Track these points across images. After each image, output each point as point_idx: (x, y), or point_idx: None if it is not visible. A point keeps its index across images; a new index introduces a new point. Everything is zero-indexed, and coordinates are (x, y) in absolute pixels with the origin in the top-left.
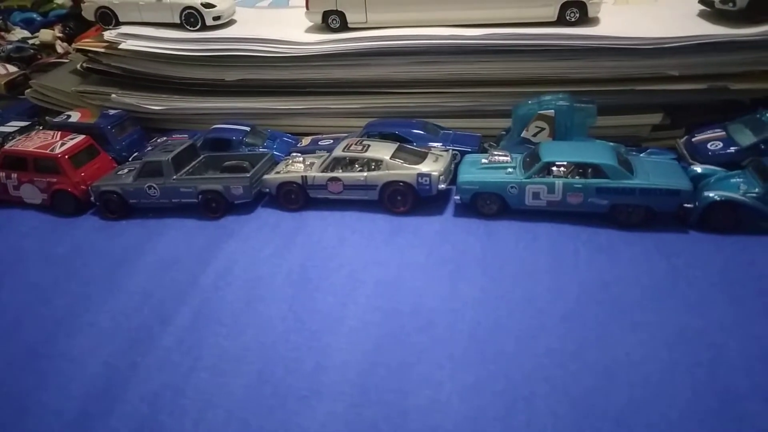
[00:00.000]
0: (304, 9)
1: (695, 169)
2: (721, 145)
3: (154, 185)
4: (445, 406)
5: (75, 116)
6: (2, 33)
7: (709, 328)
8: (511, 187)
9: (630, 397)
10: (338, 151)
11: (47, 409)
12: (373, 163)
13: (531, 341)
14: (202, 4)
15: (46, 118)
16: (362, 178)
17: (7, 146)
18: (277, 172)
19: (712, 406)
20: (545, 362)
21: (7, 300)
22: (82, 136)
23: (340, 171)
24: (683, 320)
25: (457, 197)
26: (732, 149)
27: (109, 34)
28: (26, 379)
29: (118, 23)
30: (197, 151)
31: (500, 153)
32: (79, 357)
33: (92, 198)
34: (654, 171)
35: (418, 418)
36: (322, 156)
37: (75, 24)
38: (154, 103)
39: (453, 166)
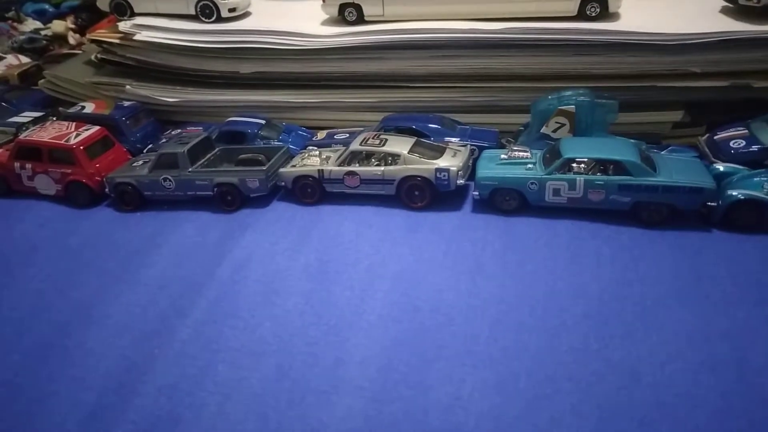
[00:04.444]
0: (321, 1)
1: (718, 167)
2: (743, 143)
3: (170, 177)
4: (467, 404)
5: (89, 107)
6: (15, 24)
7: (734, 328)
8: (531, 184)
9: (655, 398)
10: (355, 145)
11: (63, 401)
12: (391, 158)
13: (553, 339)
14: None
15: (60, 108)
16: (379, 173)
17: (21, 136)
18: (293, 166)
19: (737, 407)
20: (568, 360)
21: (21, 291)
22: (97, 127)
23: (357, 165)
24: (708, 320)
25: (476, 193)
26: (755, 148)
27: (123, 25)
28: (42, 371)
29: (133, 14)
30: (212, 143)
31: (520, 149)
32: (96, 349)
33: (107, 189)
34: (677, 168)
35: (438, 416)
36: (338, 150)
37: (87, 15)
38: (169, 95)
39: (471, 161)
